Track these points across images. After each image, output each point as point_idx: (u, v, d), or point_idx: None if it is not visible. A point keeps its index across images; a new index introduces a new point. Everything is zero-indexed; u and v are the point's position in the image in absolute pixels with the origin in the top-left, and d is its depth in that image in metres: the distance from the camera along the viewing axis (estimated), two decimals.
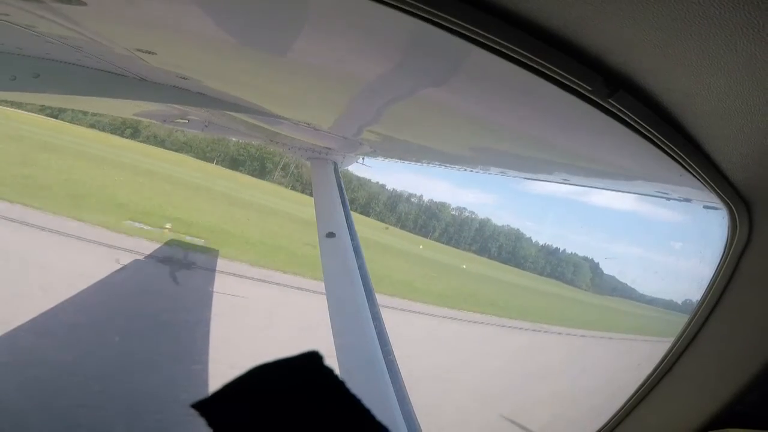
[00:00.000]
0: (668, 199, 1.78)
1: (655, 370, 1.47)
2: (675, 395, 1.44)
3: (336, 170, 5.30)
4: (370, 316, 3.62)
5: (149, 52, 1.99)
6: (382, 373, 3.18)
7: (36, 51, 2.51)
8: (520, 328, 25.79)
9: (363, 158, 5.33)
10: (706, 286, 1.30)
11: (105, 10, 1.46)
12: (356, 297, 3.76)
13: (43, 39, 2.14)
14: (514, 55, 0.83)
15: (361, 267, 4.06)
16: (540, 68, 0.85)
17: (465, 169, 3.54)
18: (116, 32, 1.81)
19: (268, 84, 2.72)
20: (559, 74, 0.85)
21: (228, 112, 4.69)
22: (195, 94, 3.72)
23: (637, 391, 1.51)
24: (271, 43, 1.65)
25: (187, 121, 6.56)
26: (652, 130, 0.94)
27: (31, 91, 3.04)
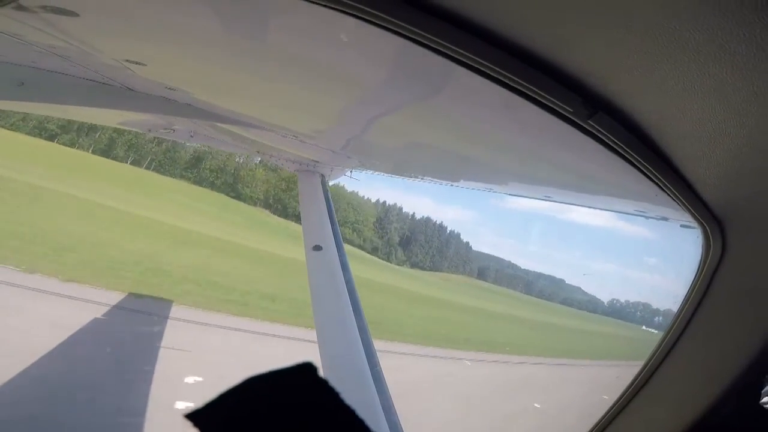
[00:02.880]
0: (647, 217, 1.83)
1: (628, 388, 1.49)
2: (647, 412, 1.46)
3: (323, 183, 5.29)
4: (357, 329, 3.59)
5: (139, 63, 1.99)
6: (369, 386, 3.15)
7: (21, 59, 2.48)
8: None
9: (351, 171, 5.33)
10: (680, 303, 1.34)
11: (97, 22, 1.46)
12: (343, 310, 3.73)
13: (30, 47, 2.12)
14: (496, 75, 0.86)
15: (348, 281, 4.03)
16: (521, 88, 0.88)
17: (449, 184, 3.58)
18: (107, 43, 1.81)
19: (255, 95, 2.73)
20: (539, 95, 0.88)
21: (215, 123, 4.67)
22: (182, 104, 3.70)
23: (609, 410, 1.53)
24: (259, 55, 1.67)
25: (172, 131, 6.48)
26: (630, 151, 0.97)
27: (15, 99, 2.99)
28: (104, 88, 3.19)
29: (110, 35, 1.65)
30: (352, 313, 3.75)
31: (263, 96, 2.63)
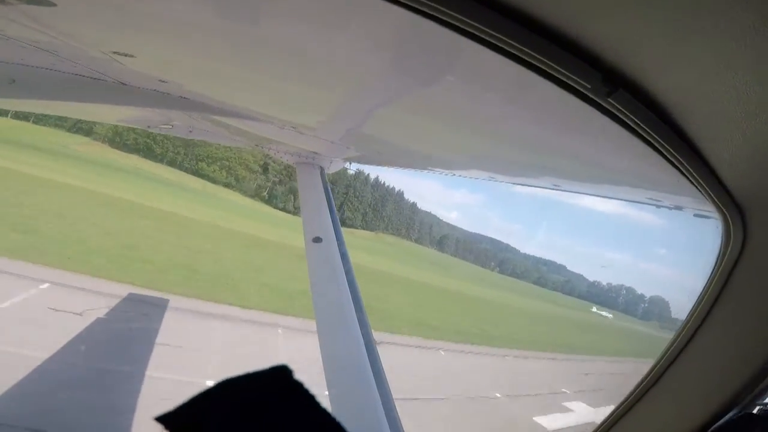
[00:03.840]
0: (658, 206, 1.76)
1: (642, 381, 1.45)
2: (662, 405, 1.41)
3: (323, 175, 5.26)
4: (357, 322, 3.58)
5: (127, 55, 1.91)
6: (369, 379, 3.13)
7: (9, 56, 2.41)
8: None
9: (350, 163, 5.29)
10: (697, 296, 1.28)
11: (76, 12, 1.39)
12: (343, 302, 3.72)
13: (15, 43, 2.05)
14: (509, 49, 0.79)
15: (348, 272, 4.02)
16: (536, 63, 0.81)
17: (456, 174, 3.50)
18: (90, 34, 1.74)
19: (251, 87, 2.66)
20: (555, 70, 0.81)
21: (211, 116, 4.61)
22: (177, 98, 3.64)
23: (623, 403, 1.48)
24: (253, 43, 1.59)
25: (171, 126, 6.45)
26: (651, 132, 0.90)
27: (8, 96, 2.93)
28: (97, 83, 3.12)
29: (93, 25, 1.58)
30: (352, 304, 3.74)
31: (259, 87, 2.57)
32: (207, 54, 1.88)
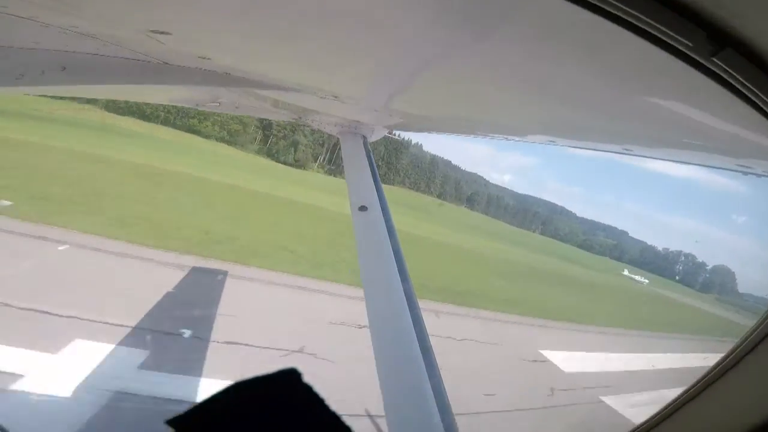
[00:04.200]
0: (746, 173, 1.57)
1: (719, 363, 1.34)
2: (729, 396, 1.33)
3: (365, 144, 5.25)
4: (402, 288, 3.62)
5: (163, 33, 1.88)
6: (414, 348, 3.14)
7: (54, 44, 2.47)
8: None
9: (393, 131, 5.21)
10: None
11: None
12: (389, 268, 3.76)
13: (59, 30, 2.07)
14: (595, 1, 0.69)
15: (393, 239, 4.05)
16: (628, 18, 0.71)
17: (510, 139, 3.29)
18: (124, 13, 1.71)
19: (292, 57, 2.61)
20: (651, 26, 0.72)
21: (255, 90, 4.66)
22: (220, 74, 3.66)
23: (696, 384, 1.39)
24: (291, 13, 1.50)
25: (218, 104, 6.60)
26: (763, 96, 0.80)
27: (61, 84, 3.04)
28: (142, 65, 3.17)
29: (124, 3, 1.54)
30: (396, 269, 3.77)
31: (300, 57, 2.51)
32: (242, 26, 1.82)
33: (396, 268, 3.84)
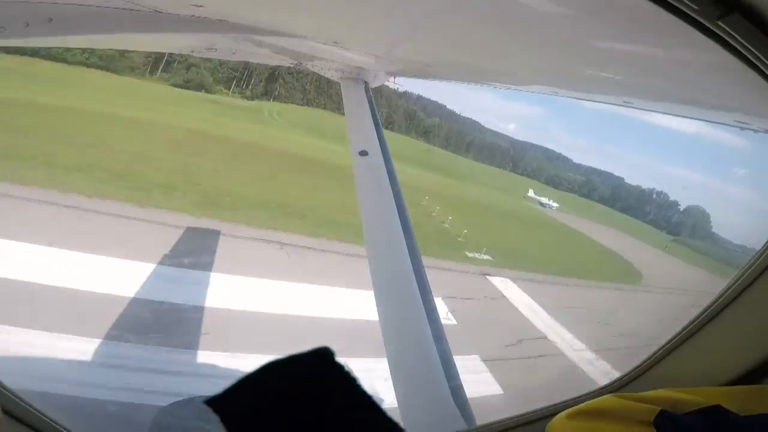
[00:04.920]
0: (743, 128, 1.55)
1: (703, 312, 1.38)
2: (719, 340, 1.36)
3: (367, 89, 5.18)
4: (402, 229, 3.70)
5: None
6: (415, 296, 3.25)
7: None
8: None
9: (395, 77, 5.12)
10: None
11: None
12: (389, 211, 3.86)
13: None
14: None
15: (394, 184, 4.10)
16: None
17: (513, 89, 3.21)
18: None
19: (290, 3, 2.51)
20: None
21: (253, 36, 4.51)
22: (215, 21, 3.53)
23: (680, 332, 1.43)
24: None
25: (215, 50, 6.42)
26: (765, 60, 0.82)
27: (47, 35, 2.94)
28: (132, 14, 3.05)
29: None
30: (396, 213, 3.86)
31: (298, 2, 2.42)
32: None
33: (397, 213, 3.91)
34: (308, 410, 0.49)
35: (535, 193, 62.17)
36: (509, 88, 3.28)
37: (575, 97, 2.85)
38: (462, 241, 27.82)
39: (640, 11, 0.83)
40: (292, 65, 6.39)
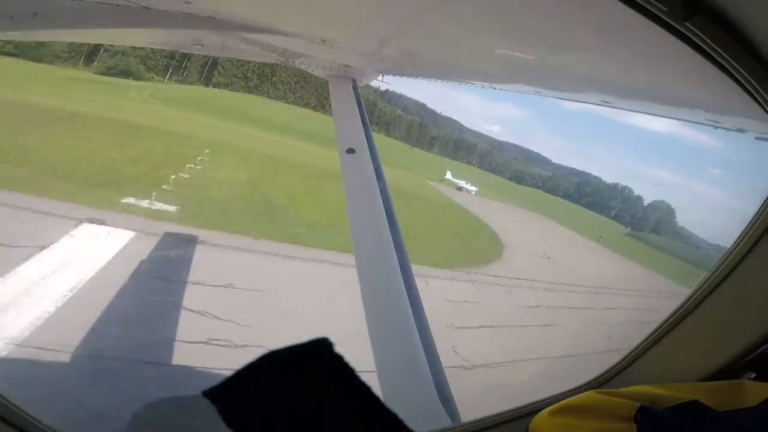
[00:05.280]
0: (716, 127, 1.63)
1: (680, 308, 1.42)
2: (696, 336, 1.40)
3: (355, 87, 5.18)
4: (388, 225, 3.73)
5: None
6: (401, 292, 3.29)
7: None
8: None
9: (382, 76, 5.12)
10: (748, 222, 1.20)
11: None
12: (375, 208, 3.86)
13: None
14: None
15: (381, 181, 4.12)
16: None
17: (496, 88, 3.28)
18: None
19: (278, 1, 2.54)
20: None
21: (241, 33, 4.50)
22: (203, 18, 3.53)
23: (658, 329, 1.47)
24: None
25: (201, 46, 6.38)
26: (729, 59, 0.85)
27: (32, 29, 2.93)
28: (119, 9, 3.05)
29: None
30: (383, 209, 3.87)
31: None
32: None
33: (384, 211, 3.93)
34: (306, 401, 0.49)
35: (453, 177, 58.31)
36: (494, 88, 3.35)
37: (557, 97, 2.92)
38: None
39: (613, 13, 0.88)
40: (279, 62, 6.36)
